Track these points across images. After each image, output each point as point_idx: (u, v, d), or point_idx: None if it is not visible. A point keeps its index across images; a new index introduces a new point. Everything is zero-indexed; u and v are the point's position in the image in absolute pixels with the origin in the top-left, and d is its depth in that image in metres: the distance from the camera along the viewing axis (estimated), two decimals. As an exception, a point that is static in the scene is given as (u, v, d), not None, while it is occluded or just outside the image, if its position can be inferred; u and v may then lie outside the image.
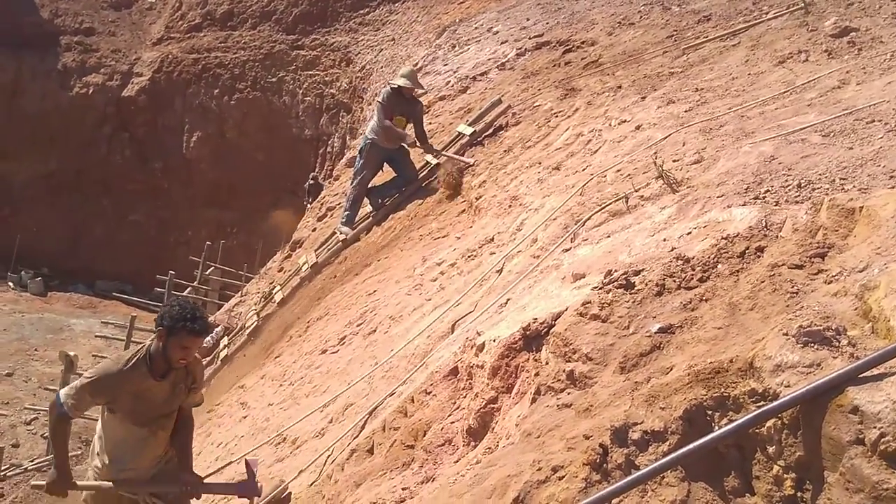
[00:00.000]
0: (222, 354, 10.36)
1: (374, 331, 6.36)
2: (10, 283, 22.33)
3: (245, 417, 6.97)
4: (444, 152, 9.29)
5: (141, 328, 14.32)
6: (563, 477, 2.39)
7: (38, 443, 12.85)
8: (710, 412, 2.31)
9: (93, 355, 16.24)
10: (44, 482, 4.03)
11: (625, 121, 6.48)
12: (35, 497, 10.28)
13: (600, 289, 3.17)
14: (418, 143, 9.56)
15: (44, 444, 12.41)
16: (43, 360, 16.49)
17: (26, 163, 24.12)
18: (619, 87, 7.66)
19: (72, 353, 12.35)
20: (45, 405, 13.20)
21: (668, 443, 2.30)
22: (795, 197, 3.42)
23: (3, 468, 10.86)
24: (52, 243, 23.48)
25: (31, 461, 11.74)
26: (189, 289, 17.25)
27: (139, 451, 3.97)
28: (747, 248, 3.01)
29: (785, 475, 2.15)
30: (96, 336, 17.61)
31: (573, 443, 2.49)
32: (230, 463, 5.68)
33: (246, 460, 4.41)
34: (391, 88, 9.56)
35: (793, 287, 2.63)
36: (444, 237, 7.55)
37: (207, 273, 17.60)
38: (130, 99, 23.89)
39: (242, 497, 4.22)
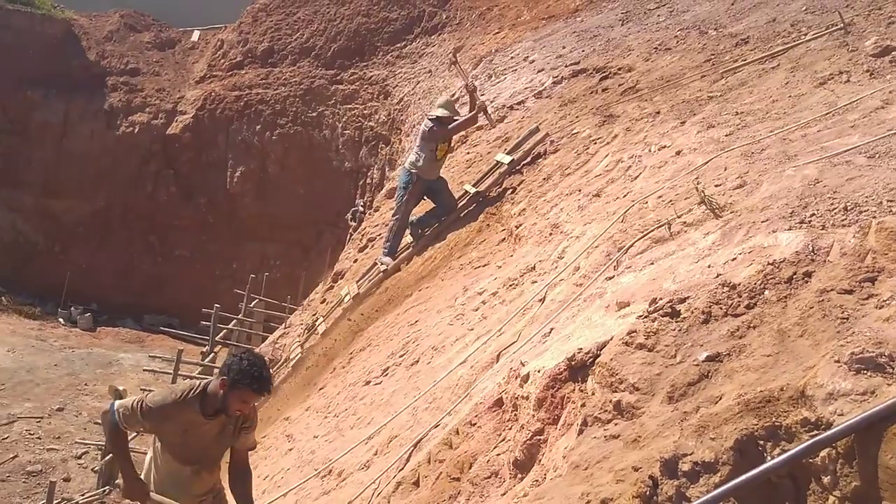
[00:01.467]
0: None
1: (417, 361, 6.37)
2: (61, 319, 22.81)
3: (291, 450, 7.00)
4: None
5: (187, 361, 14.51)
6: (613, 510, 2.36)
7: (88, 477, 13.00)
8: (761, 442, 2.27)
9: (141, 389, 16.44)
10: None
11: (665, 146, 6.45)
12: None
13: (645, 317, 3.14)
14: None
15: (94, 478, 12.57)
16: (93, 395, 16.75)
17: (75, 201, 24.73)
18: (658, 112, 7.64)
19: (121, 388, 12.52)
20: (95, 439, 13.41)
21: (719, 474, 2.26)
22: (842, 220, 3.37)
23: (55, 502, 11.00)
24: (100, 279, 23.96)
25: (83, 495, 11.88)
26: (234, 321, 17.44)
27: (181, 487, 3.99)
28: (794, 274, 2.97)
29: (841, 506, 2.11)
30: (144, 370, 17.85)
31: (622, 475, 2.46)
32: (278, 497, 5.70)
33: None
34: (430, 120, 9.65)
35: (843, 313, 2.58)
36: (484, 266, 7.56)
37: (252, 305, 17.79)
38: (175, 137, 24.40)
39: None
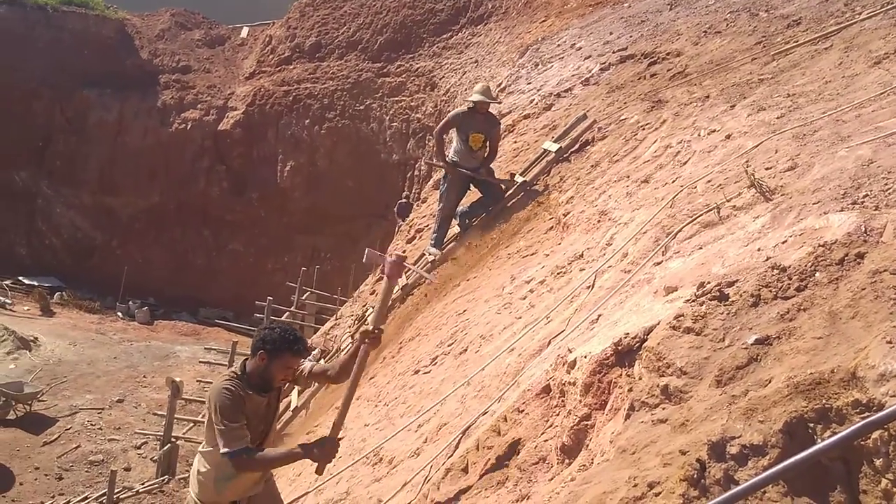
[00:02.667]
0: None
1: (466, 350, 6.38)
2: (119, 313, 23.41)
3: (342, 438, 7.07)
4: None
5: (242, 353, 14.75)
6: (660, 493, 2.35)
7: (148, 466, 13.34)
8: (811, 424, 2.23)
9: (197, 381, 16.86)
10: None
11: (714, 130, 6.35)
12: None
13: (693, 301, 3.11)
14: (480, 172, 9.55)
15: (153, 467, 12.89)
16: (151, 387, 17.17)
17: (131, 197, 25.33)
18: (707, 96, 7.52)
19: (178, 379, 12.83)
20: (154, 430, 13.75)
21: (768, 457, 2.23)
22: (896, 201, 3.29)
23: (116, 491, 11.32)
24: (156, 273, 24.53)
25: (143, 484, 12.20)
26: (287, 313, 17.70)
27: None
28: (846, 255, 2.91)
29: (894, 488, 2.06)
30: (200, 362, 18.26)
31: (669, 458, 2.44)
32: (327, 480, 5.77)
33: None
34: (466, 107, 9.61)
35: (896, 294, 2.53)
36: (532, 255, 7.54)
37: (303, 298, 18.03)
38: (226, 132, 24.80)
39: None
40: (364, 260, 4.99)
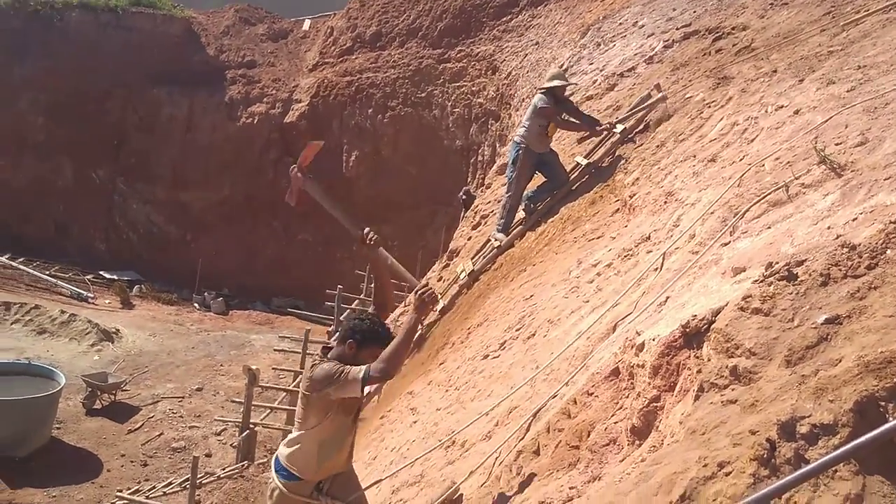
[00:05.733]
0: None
1: (534, 334, 6.43)
2: (196, 304, 24.12)
3: (415, 422, 7.22)
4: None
5: (315, 341, 15.07)
6: (730, 473, 2.38)
7: (228, 452, 13.76)
8: (882, 403, 2.23)
9: (273, 368, 17.29)
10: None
11: (782, 106, 6.23)
12: (229, 502, 11.05)
13: (761, 281, 3.10)
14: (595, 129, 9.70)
15: (233, 453, 13.29)
16: (228, 375, 17.68)
17: (202, 191, 26.00)
18: (775, 71, 7.37)
19: (254, 367, 13.18)
20: (233, 417, 14.17)
21: (838, 436, 2.24)
22: (972, 174, 3.22)
23: (198, 476, 11.72)
24: (229, 264, 25.14)
25: (224, 469, 12.58)
26: (356, 301, 17.97)
27: (344, 438, 4.25)
28: (919, 232, 2.87)
29: (968, 467, 2.06)
30: (275, 350, 18.70)
31: (739, 438, 2.47)
32: (403, 467, 5.91)
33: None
34: (542, 93, 9.60)
35: (970, 269, 2.49)
36: (598, 238, 7.53)
37: (372, 285, 18.24)
38: (292, 125, 25.20)
39: None
40: (292, 204, 5.01)
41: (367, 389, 4.15)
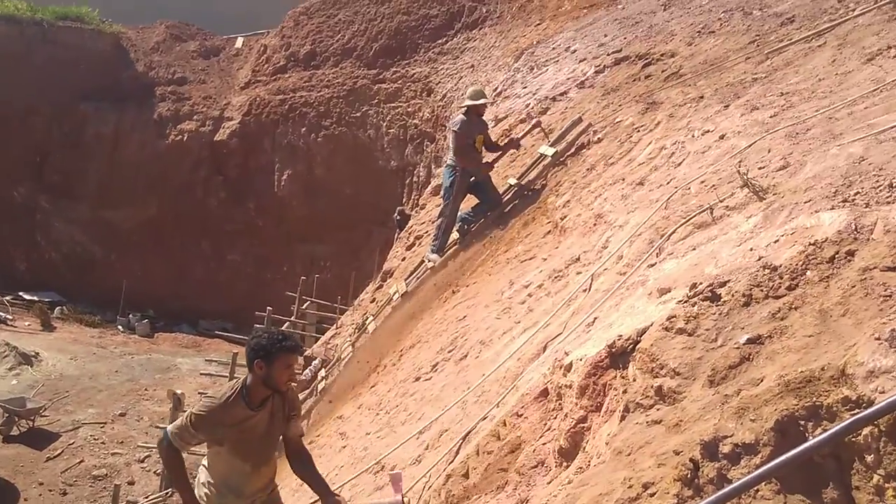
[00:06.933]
0: (320, 386, 10.58)
1: (466, 356, 6.40)
2: (120, 327, 23.40)
3: (344, 447, 7.10)
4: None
5: (242, 364, 14.72)
6: (655, 494, 2.36)
7: (151, 480, 13.35)
8: (802, 422, 2.25)
9: (199, 392, 16.81)
10: None
11: (708, 131, 6.38)
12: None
13: (685, 302, 3.13)
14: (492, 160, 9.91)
15: (157, 480, 12.89)
16: (153, 399, 17.17)
17: (129, 210, 25.31)
18: (702, 97, 7.55)
19: (179, 392, 12.84)
20: (156, 443, 13.74)
21: (760, 455, 2.25)
22: (887, 198, 3.31)
23: (119, 505, 11.35)
24: (156, 286, 24.48)
25: (146, 498, 12.20)
26: (287, 323, 17.69)
27: (243, 484, 4.11)
28: (837, 253, 2.93)
29: (886, 484, 2.07)
30: (201, 374, 18.25)
31: (663, 459, 2.46)
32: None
33: (391, 475, 4.44)
34: (463, 114, 9.73)
35: (886, 290, 2.54)
36: (530, 259, 7.56)
37: (304, 307, 18.02)
38: (222, 143, 24.80)
39: None
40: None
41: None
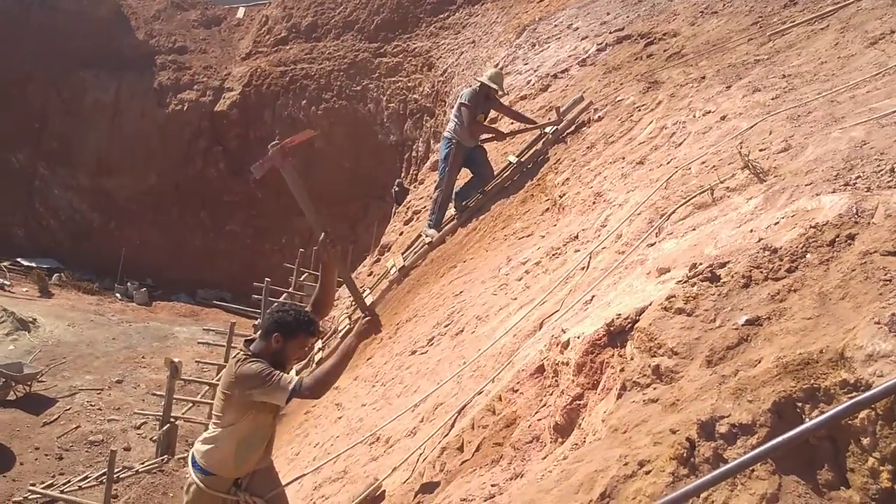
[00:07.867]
0: (317, 357, 10.61)
1: (462, 331, 6.42)
2: (118, 294, 23.43)
3: (340, 418, 7.13)
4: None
5: (240, 334, 14.80)
6: (650, 471, 2.38)
7: (147, 446, 13.42)
8: (799, 404, 2.26)
9: (196, 361, 16.92)
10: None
11: (709, 111, 6.36)
12: (147, 497, 10.75)
13: (685, 282, 3.13)
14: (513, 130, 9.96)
15: (153, 447, 12.96)
16: (150, 367, 17.23)
17: (128, 179, 25.27)
18: (703, 77, 7.51)
19: (176, 360, 12.87)
20: (154, 410, 13.82)
21: (756, 436, 2.26)
22: (888, 182, 3.31)
23: (116, 471, 11.38)
24: (154, 255, 24.51)
25: (142, 464, 12.25)
26: (284, 295, 17.70)
27: (263, 440, 4.13)
28: (837, 237, 2.93)
29: (881, 467, 2.10)
30: (199, 343, 18.32)
31: (659, 437, 2.47)
32: (326, 463, 5.83)
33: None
34: (476, 88, 9.67)
35: (886, 274, 2.55)
36: (528, 236, 7.56)
37: (301, 279, 18.04)
38: (223, 113, 24.70)
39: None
40: (256, 175, 5.05)
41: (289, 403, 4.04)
